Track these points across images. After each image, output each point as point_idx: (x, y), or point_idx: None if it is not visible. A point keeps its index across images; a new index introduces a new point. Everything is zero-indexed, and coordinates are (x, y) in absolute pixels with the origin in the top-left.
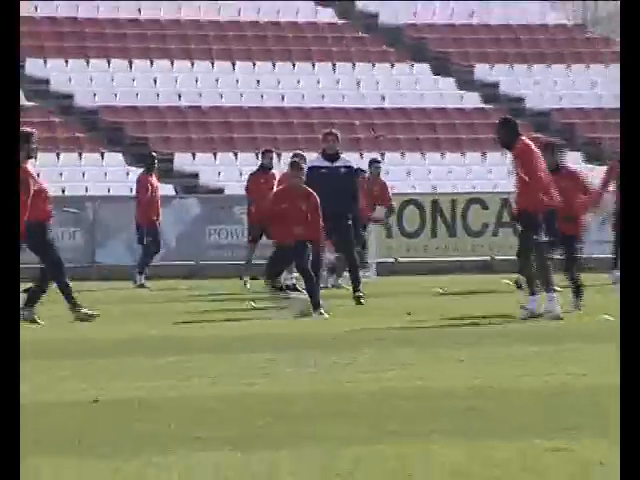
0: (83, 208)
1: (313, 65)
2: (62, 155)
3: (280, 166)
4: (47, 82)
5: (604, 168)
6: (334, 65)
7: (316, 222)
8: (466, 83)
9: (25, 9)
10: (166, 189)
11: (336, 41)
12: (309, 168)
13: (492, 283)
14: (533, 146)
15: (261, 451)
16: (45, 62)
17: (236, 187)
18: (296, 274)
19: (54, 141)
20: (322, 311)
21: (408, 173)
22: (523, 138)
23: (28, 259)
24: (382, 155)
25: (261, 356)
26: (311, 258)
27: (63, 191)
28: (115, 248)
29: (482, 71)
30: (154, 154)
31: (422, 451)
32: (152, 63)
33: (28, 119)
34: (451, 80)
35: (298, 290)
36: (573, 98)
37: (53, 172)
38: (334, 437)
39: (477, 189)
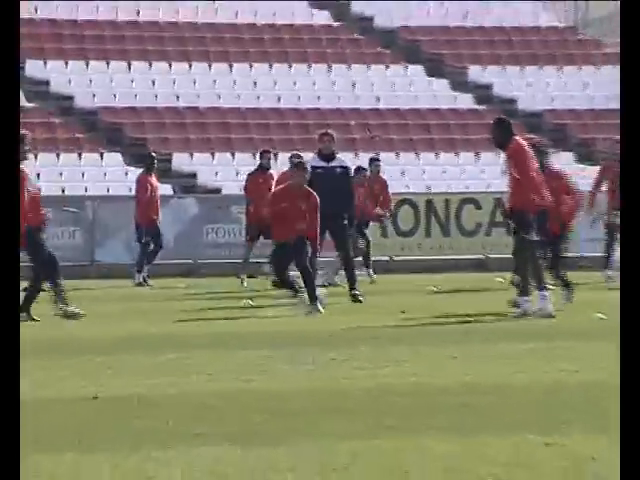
0: (83, 208)
1: (309, 67)
2: (62, 155)
3: (277, 166)
4: (47, 83)
5: (596, 168)
6: (330, 67)
7: (314, 222)
8: (459, 84)
9: (25, 11)
10: (164, 189)
11: (332, 43)
12: None
13: (485, 281)
14: (526, 146)
15: (259, 447)
16: (45, 64)
17: (233, 187)
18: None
19: (54, 142)
20: (319, 305)
21: (402, 173)
22: (517, 138)
23: (25, 258)
24: (377, 155)
25: (258, 353)
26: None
27: (63, 191)
28: (114, 247)
29: (475, 72)
30: (154, 154)
31: (417, 446)
32: (150, 65)
33: (28, 120)
34: (445, 81)
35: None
36: (565, 99)
37: (53, 172)
38: (331, 433)
39: (470, 189)
